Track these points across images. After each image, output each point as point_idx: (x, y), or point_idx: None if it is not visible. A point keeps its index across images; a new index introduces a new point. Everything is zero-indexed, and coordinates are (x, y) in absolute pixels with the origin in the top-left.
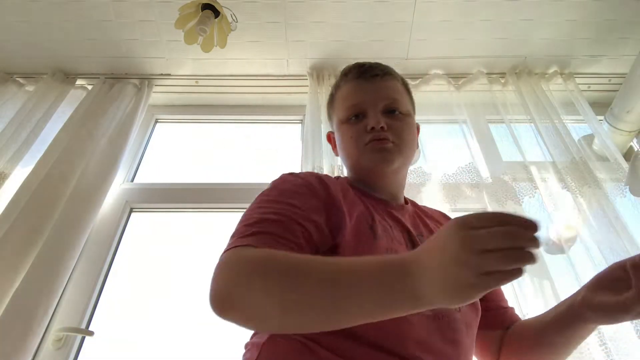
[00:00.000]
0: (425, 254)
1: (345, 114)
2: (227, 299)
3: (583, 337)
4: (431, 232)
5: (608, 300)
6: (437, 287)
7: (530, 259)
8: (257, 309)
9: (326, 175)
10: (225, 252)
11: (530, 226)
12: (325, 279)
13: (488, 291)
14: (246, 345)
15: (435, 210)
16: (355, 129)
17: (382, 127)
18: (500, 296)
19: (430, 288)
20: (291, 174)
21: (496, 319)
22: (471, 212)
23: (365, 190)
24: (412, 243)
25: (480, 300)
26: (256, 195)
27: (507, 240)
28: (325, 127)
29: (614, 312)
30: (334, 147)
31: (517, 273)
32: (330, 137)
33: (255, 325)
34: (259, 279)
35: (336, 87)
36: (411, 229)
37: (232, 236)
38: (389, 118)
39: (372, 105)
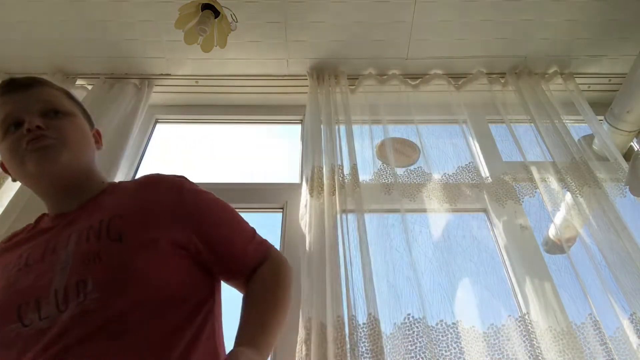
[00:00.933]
0: None
1: (1, 130)
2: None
3: None
4: (104, 210)
5: None
6: None
7: None
8: None
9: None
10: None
11: None
12: None
13: None
14: None
15: (140, 178)
16: (12, 139)
17: (38, 126)
18: (230, 244)
19: None
20: None
21: (233, 268)
22: None
23: (47, 214)
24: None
25: (209, 251)
26: (257, 195)
27: None
28: (325, 128)
29: None
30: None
31: None
32: (3, 166)
33: None
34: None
35: None
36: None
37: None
38: (49, 119)
39: (26, 111)
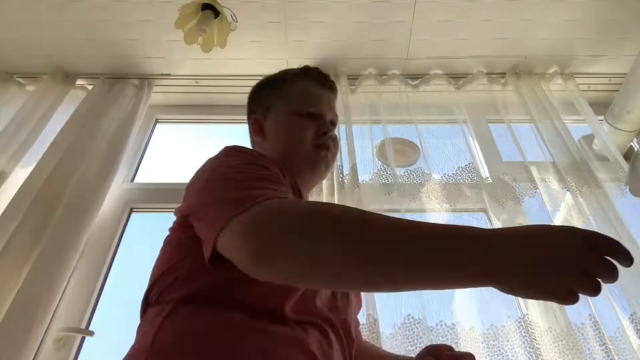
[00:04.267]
0: (517, 234)
1: (302, 108)
2: (280, 247)
3: None
4: None
5: None
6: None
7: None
8: (317, 258)
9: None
10: (256, 203)
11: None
12: (402, 233)
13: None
14: (140, 328)
15: None
16: (307, 124)
17: (330, 135)
18: None
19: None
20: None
21: None
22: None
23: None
24: None
25: None
26: None
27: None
28: None
29: None
30: (257, 132)
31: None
32: (258, 121)
33: (301, 277)
34: (329, 227)
35: (292, 78)
36: None
37: (242, 199)
38: (333, 127)
39: (328, 113)
